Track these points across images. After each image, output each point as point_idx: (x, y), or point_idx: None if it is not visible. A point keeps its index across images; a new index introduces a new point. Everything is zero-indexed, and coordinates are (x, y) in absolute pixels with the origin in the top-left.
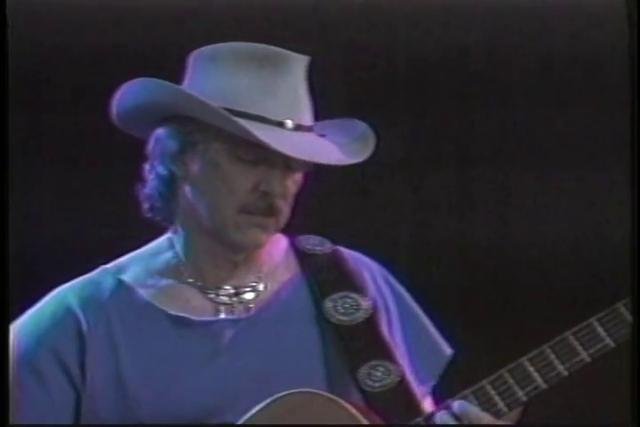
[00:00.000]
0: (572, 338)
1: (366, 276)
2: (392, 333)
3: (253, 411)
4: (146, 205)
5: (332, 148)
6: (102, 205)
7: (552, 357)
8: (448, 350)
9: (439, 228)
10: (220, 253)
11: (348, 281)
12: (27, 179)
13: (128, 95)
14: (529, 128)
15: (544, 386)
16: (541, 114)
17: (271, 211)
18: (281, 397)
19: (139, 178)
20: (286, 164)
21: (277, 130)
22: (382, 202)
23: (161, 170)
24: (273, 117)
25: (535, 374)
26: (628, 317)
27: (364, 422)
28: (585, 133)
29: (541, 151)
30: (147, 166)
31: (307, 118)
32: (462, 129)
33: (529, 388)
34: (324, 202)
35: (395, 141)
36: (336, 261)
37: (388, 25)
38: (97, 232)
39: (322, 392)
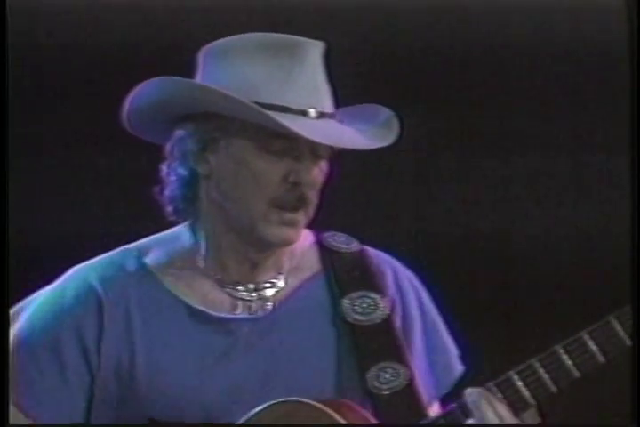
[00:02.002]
0: (561, 351)
1: (389, 277)
2: (410, 335)
3: (241, 421)
4: (169, 208)
5: (357, 134)
6: (102, 200)
7: (541, 371)
8: (459, 367)
9: (442, 220)
10: (244, 252)
11: (368, 281)
12: (26, 177)
13: (143, 95)
14: (531, 124)
15: (532, 401)
16: (544, 110)
17: (302, 203)
18: (269, 406)
19: (156, 180)
20: (313, 152)
21: (301, 119)
22: (388, 194)
23: (182, 171)
24: (295, 107)
25: (523, 389)
26: (620, 330)
27: None
28: (586, 127)
29: (543, 145)
30: (164, 168)
31: (328, 105)
32: (465, 123)
33: (518, 404)
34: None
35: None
36: (360, 261)
37: (394, 15)
38: (97, 227)
39: (309, 401)
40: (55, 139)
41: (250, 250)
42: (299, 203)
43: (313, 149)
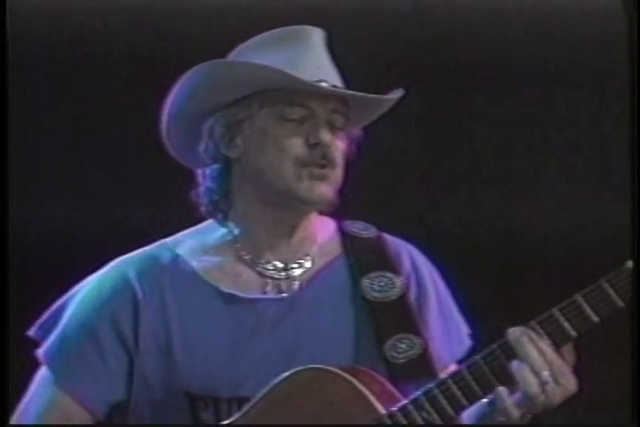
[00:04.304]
0: (558, 314)
1: (404, 258)
2: (425, 310)
3: (268, 388)
4: (205, 200)
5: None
6: (105, 197)
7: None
8: (468, 341)
9: (446, 211)
10: (279, 221)
11: (385, 262)
12: (26, 174)
13: (199, 77)
14: (531, 121)
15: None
16: (544, 107)
17: (326, 160)
18: (294, 372)
19: (194, 185)
20: (329, 122)
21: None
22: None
23: (217, 164)
24: (307, 79)
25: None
26: (612, 293)
27: (370, 397)
28: (586, 127)
29: (543, 141)
30: (199, 170)
31: (338, 82)
32: (468, 121)
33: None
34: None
35: (403, 132)
36: (377, 245)
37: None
38: (100, 228)
39: (332, 368)
40: (56, 139)
41: (287, 215)
42: (323, 160)
43: (329, 120)
